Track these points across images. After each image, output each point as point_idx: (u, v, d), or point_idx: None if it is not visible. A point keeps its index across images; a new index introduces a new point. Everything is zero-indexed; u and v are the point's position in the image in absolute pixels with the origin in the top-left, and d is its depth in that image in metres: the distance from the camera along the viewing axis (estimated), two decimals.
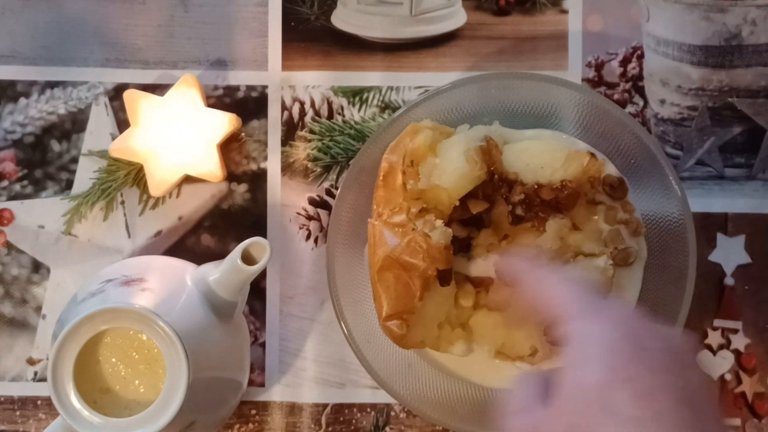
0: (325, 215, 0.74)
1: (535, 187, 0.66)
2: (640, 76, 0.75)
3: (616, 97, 0.74)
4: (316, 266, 0.74)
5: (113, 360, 0.59)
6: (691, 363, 0.44)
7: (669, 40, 0.74)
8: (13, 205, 0.74)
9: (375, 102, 0.75)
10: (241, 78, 0.75)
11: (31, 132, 0.75)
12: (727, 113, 0.74)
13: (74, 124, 0.75)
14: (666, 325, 0.46)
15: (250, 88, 0.75)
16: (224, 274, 0.61)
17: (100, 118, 0.75)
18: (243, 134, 0.74)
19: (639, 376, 0.42)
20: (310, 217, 0.74)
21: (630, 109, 0.74)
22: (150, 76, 0.75)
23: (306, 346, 0.73)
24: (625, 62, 0.75)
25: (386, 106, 0.75)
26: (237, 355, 0.66)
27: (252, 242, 0.60)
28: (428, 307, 0.64)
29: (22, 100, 0.75)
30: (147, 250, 0.74)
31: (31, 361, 0.73)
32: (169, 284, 0.63)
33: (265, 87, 0.75)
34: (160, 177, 0.71)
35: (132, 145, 0.71)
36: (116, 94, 0.74)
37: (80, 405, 0.56)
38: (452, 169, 0.64)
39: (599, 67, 0.75)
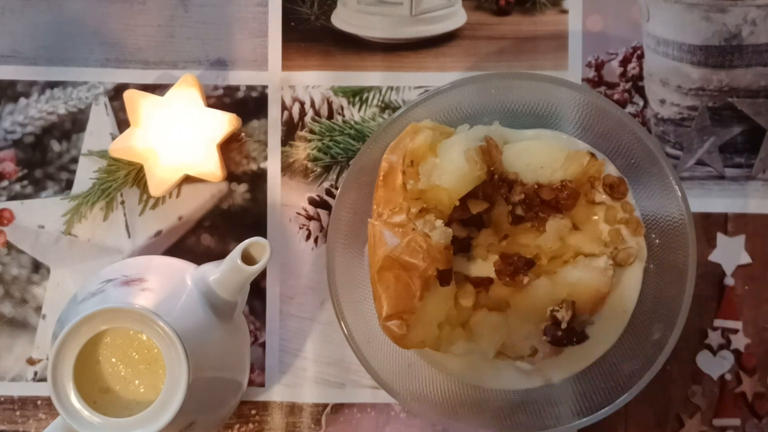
0: (325, 215, 0.74)
1: (535, 187, 0.66)
2: (640, 76, 0.75)
3: (616, 97, 0.74)
4: (316, 266, 0.74)
5: (113, 360, 0.59)
6: None
7: (669, 40, 0.74)
8: (13, 205, 0.74)
9: (375, 102, 0.75)
10: (241, 78, 0.75)
11: (31, 132, 0.75)
12: (727, 113, 0.74)
13: (74, 124, 0.75)
14: None
15: (250, 88, 0.75)
16: (224, 274, 0.61)
17: (100, 118, 0.75)
18: (243, 134, 0.74)
19: None
20: (310, 217, 0.74)
21: (630, 109, 0.74)
22: (150, 76, 0.75)
23: (306, 346, 0.73)
24: (625, 62, 0.75)
25: (386, 106, 0.75)
26: (237, 355, 0.66)
27: (252, 242, 0.60)
28: (428, 307, 0.64)
29: (22, 100, 0.75)
30: (147, 250, 0.74)
31: (31, 361, 0.73)
32: (169, 284, 0.63)
33: (265, 87, 0.75)
34: (160, 177, 0.71)
35: (132, 145, 0.71)
36: (116, 94, 0.74)
37: (80, 405, 0.56)
38: (452, 169, 0.64)
39: (599, 67, 0.75)
